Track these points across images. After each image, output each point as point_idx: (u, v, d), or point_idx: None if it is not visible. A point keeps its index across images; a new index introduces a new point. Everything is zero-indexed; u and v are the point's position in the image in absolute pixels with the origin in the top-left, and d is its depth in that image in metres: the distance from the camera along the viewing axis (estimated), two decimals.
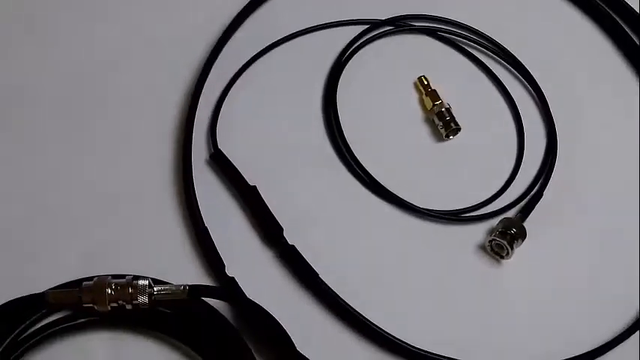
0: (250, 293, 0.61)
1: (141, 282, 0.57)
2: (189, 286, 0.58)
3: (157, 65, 0.72)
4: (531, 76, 0.76)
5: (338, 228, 0.67)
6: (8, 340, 0.57)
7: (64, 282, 0.60)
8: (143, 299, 0.57)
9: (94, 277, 0.58)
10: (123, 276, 0.58)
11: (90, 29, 0.73)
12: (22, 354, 0.56)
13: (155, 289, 0.58)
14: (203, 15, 0.74)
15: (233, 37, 0.73)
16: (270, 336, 0.59)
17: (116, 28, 0.74)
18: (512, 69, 0.77)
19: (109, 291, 0.57)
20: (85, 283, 0.57)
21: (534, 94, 0.75)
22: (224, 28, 0.73)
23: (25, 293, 0.58)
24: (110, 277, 0.58)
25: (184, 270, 0.63)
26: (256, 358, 0.58)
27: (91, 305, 0.57)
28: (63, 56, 0.72)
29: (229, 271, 0.62)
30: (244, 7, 0.74)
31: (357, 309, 0.62)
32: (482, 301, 0.66)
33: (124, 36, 0.73)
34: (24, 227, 0.64)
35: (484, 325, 0.65)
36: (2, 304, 0.58)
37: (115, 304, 0.57)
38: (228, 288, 0.61)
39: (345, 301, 0.62)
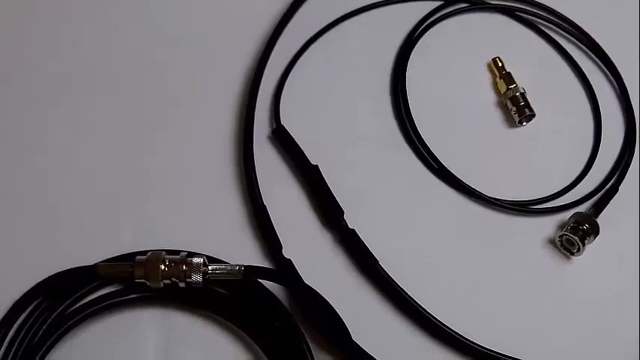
0: (306, 276, 0.59)
1: (195, 260, 0.56)
2: (245, 266, 0.56)
3: (221, 39, 0.70)
4: (614, 65, 0.73)
5: (401, 213, 0.65)
6: (57, 312, 0.56)
7: (116, 255, 0.59)
8: (197, 278, 0.55)
9: (148, 251, 0.57)
10: (177, 252, 0.57)
11: (151, 4, 0.72)
12: (71, 327, 0.55)
13: (210, 267, 0.56)
14: None
15: (301, 9, 0.71)
16: (325, 322, 0.57)
17: (179, 2, 0.72)
18: (593, 56, 0.74)
19: (163, 267, 0.55)
20: (138, 257, 0.56)
21: (616, 85, 0.72)
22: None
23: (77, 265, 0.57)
24: (164, 252, 0.56)
25: (239, 248, 0.61)
26: (309, 343, 0.57)
27: (143, 281, 0.56)
28: (125, 33, 0.70)
29: (286, 253, 0.60)
30: None
31: (415, 298, 0.60)
32: (548, 299, 0.63)
33: (187, 11, 0.72)
34: (81, 201, 0.62)
35: (547, 324, 0.62)
36: (52, 275, 0.57)
37: (167, 281, 0.56)
38: (284, 270, 0.60)
39: (404, 290, 0.60)
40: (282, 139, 0.65)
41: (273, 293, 0.58)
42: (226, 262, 0.58)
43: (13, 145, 0.64)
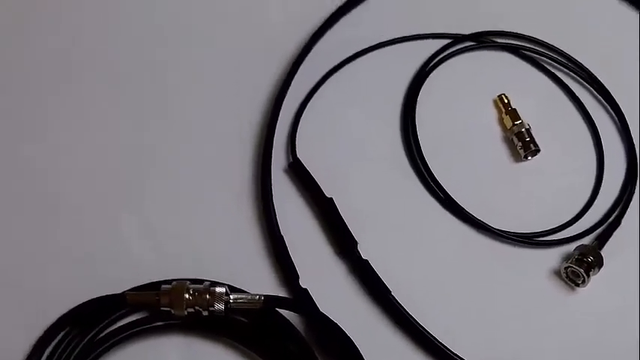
0: (322, 306, 0.61)
1: (218, 289, 0.57)
2: (265, 296, 0.58)
3: (241, 71, 0.72)
4: (615, 101, 0.74)
5: (410, 243, 0.66)
6: (87, 339, 0.57)
7: (141, 284, 0.60)
8: (219, 306, 0.57)
9: (173, 280, 0.58)
10: (201, 281, 0.58)
11: (172, 34, 0.74)
12: (100, 354, 0.57)
13: (232, 297, 0.58)
14: (288, 20, 0.75)
15: (316, 46, 0.73)
16: (341, 351, 0.58)
17: (198, 29, 0.74)
18: (595, 92, 0.75)
19: (187, 296, 0.57)
20: (163, 286, 0.58)
21: (617, 120, 0.74)
22: (308, 36, 0.73)
23: (103, 294, 0.59)
24: (189, 282, 0.58)
25: (258, 277, 0.63)
26: None
27: (168, 309, 0.57)
28: (145, 61, 0.72)
29: (302, 283, 0.62)
30: (329, 16, 0.74)
31: (427, 328, 0.62)
32: (554, 328, 0.64)
33: (207, 38, 0.74)
34: (104, 229, 0.64)
35: (553, 354, 0.63)
36: (82, 303, 0.59)
37: (191, 310, 0.57)
38: (301, 300, 0.61)
39: (416, 321, 0.62)
40: (298, 172, 0.66)
41: (290, 322, 0.59)
42: (246, 292, 0.59)
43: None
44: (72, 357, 0.56)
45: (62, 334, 0.58)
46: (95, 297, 0.58)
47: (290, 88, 0.70)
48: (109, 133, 0.68)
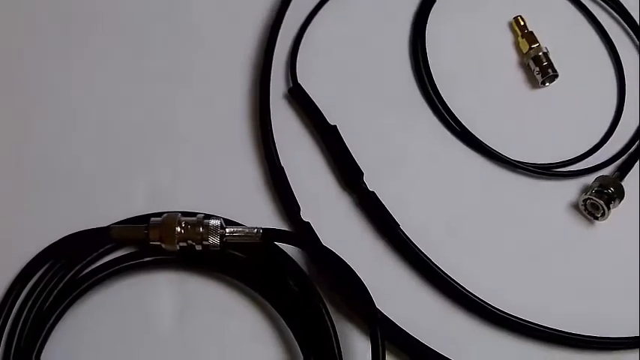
0: (325, 240, 0.58)
1: (212, 222, 0.54)
2: (263, 229, 0.55)
3: None
4: (637, 24, 0.71)
5: (421, 175, 0.64)
6: (69, 276, 0.55)
7: (131, 217, 0.57)
8: (214, 240, 0.54)
9: (163, 213, 0.55)
10: (194, 214, 0.55)
11: None
12: (84, 291, 0.54)
13: (227, 230, 0.55)
14: None
15: None
16: (346, 286, 0.55)
17: None
18: (616, 15, 0.72)
19: (179, 229, 0.54)
20: (152, 219, 0.55)
21: (639, 44, 0.71)
22: None
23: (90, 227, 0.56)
24: (180, 214, 0.55)
25: (256, 211, 0.60)
26: (329, 308, 0.55)
27: (158, 244, 0.54)
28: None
29: (304, 216, 0.59)
30: None
31: (437, 263, 0.59)
32: (571, 264, 0.62)
33: None
34: (94, 159, 0.61)
35: (570, 289, 0.61)
36: (64, 237, 0.56)
37: (183, 244, 0.54)
38: (302, 233, 0.58)
39: (426, 256, 0.59)
40: (299, 99, 0.63)
41: (291, 257, 0.56)
42: (243, 225, 0.56)
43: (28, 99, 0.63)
44: (53, 293, 0.54)
45: (44, 268, 0.55)
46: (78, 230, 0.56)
47: (290, 13, 0.67)
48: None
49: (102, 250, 0.55)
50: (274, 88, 0.64)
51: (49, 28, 0.66)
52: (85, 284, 0.54)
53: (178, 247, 0.54)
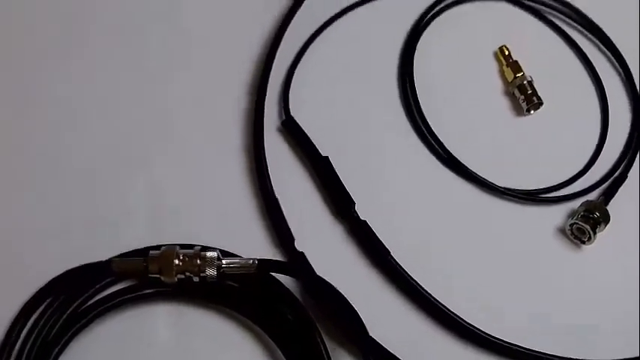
0: (319, 269, 0.59)
1: (210, 254, 0.55)
2: (259, 260, 0.56)
3: (230, 28, 0.69)
4: (619, 52, 0.72)
5: (411, 203, 0.64)
6: (71, 309, 0.55)
7: (130, 250, 0.58)
8: (211, 272, 0.55)
9: (162, 246, 0.56)
10: (191, 246, 0.56)
11: None
12: (86, 324, 0.55)
13: (224, 262, 0.55)
14: None
15: (307, 1, 0.69)
16: (340, 315, 0.56)
17: None
18: (599, 43, 0.73)
19: (177, 261, 0.55)
20: (151, 252, 0.56)
21: (621, 71, 0.72)
22: None
23: (90, 260, 0.57)
24: (178, 246, 0.56)
25: (251, 241, 0.61)
26: (323, 336, 0.56)
27: (157, 276, 0.55)
28: (137, 24, 0.69)
29: (298, 246, 0.60)
30: None
31: (427, 289, 0.60)
32: (559, 287, 0.63)
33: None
34: (90, 194, 0.62)
35: (560, 312, 0.62)
36: (67, 271, 0.56)
37: (182, 276, 0.55)
38: (297, 263, 0.59)
39: (416, 282, 0.60)
40: (292, 131, 0.64)
41: (286, 287, 0.57)
42: (239, 256, 0.57)
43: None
44: (56, 327, 0.54)
45: (46, 303, 0.56)
46: (79, 265, 0.57)
47: (282, 47, 0.67)
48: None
49: (103, 283, 0.56)
50: (269, 120, 0.64)
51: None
52: (87, 317, 0.54)
53: (176, 279, 0.55)
